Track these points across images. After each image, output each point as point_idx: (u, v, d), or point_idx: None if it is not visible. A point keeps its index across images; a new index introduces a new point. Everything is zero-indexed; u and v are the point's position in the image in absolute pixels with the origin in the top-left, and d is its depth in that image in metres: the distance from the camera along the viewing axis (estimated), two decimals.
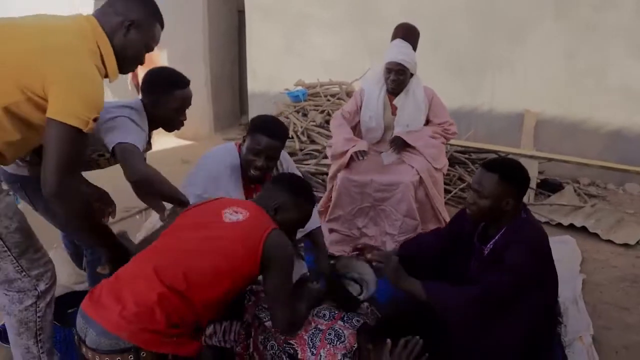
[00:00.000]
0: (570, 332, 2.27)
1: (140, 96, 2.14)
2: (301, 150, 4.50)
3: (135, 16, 1.64)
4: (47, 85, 1.44)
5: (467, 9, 5.14)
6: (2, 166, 1.84)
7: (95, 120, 1.51)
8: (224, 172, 2.21)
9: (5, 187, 1.89)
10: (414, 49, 3.00)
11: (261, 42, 6.54)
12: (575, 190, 4.45)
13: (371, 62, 5.35)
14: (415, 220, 2.94)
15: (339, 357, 1.72)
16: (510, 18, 4.97)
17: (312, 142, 4.57)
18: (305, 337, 1.77)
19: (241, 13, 7.09)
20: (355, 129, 3.19)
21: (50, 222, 2.09)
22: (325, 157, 4.00)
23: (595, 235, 3.56)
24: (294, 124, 4.71)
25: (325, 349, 1.74)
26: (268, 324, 1.83)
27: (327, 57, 5.97)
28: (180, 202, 1.89)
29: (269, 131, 2.15)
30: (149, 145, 2.16)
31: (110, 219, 2.29)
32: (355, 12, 5.77)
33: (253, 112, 6.57)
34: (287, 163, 2.41)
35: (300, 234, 2.28)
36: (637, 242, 3.47)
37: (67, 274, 2.58)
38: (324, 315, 1.88)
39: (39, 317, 1.74)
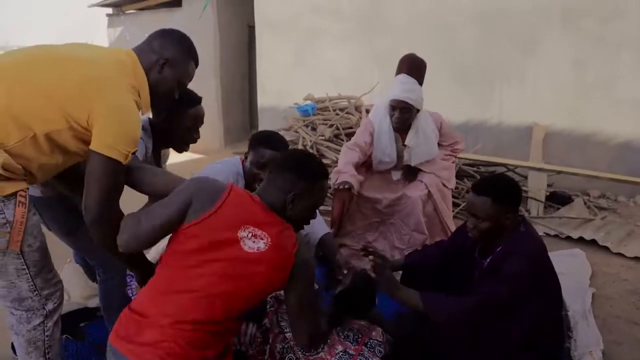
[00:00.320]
0: (580, 346, 2.25)
1: (149, 114, 2.14)
2: None
3: (169, 54, 1.72)
4: (93, 118, 1.51)
5: (475, 21, 5.16)
6: None
7: (133, 153, 1.59)
8: (230, 180, 2.22)
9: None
10: (420, 82, 2.87)
11: (271, 57, 6.63)
12: (585, 203, 4.43)
13: (379, 75, 5.40)
14: (423, 234, 2.94)
15: None
16: (518, 30, 4.99)
17: (322, 156, 4.59)
18: None
19: (251, 28, 7.21)
20: (369, 157, 3.12)
21: (64, 241, 2.10)
22: None
23: (606, 248, 3.54)
24: (303, 138, 4.75)
25: None
26: (289, 335, 1.82)
27: (336, 72, 6.03)
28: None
29: (271, 144, 2.19)
30: (156, 163, 2.17)
31: None
32: (364, 23, 5.83)
33: (263, 126, 6.63)
34: None
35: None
36: None
37: (81, 288, 2.62)
38: (348, 336, 1.85)
39: (47, 336, 1.75)
